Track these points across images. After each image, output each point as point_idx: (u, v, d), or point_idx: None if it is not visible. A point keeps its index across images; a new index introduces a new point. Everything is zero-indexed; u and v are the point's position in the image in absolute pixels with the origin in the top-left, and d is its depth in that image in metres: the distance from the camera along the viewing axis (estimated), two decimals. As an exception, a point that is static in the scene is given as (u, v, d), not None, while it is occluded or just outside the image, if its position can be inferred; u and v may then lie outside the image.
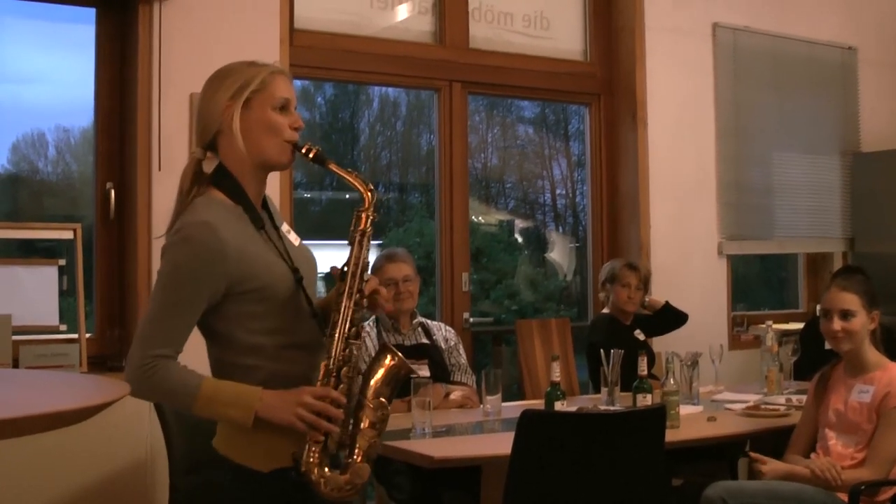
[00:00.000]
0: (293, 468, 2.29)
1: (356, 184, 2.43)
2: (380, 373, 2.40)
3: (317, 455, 2.29)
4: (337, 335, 2.33)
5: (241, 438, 2.31)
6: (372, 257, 4.87)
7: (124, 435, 4.21)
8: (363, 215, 2.42)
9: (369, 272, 2.47)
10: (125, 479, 4.26)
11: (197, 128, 2.43)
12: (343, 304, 2.35)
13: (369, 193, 2.42)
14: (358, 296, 2.37)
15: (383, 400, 2.37)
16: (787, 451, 3.84)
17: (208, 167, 2.39)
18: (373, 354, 2.47)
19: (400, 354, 2.44)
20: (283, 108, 2.39)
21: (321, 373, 2.33)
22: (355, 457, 2.33)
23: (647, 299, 5.31)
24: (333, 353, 2.33)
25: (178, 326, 2.28)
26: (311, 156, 2.40)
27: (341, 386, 2.32)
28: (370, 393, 2.37)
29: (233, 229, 2.31)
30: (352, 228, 2.42)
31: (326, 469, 2.29)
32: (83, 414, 1.80)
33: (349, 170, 2.45)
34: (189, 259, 2.26)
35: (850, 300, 3.74)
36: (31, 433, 1.73)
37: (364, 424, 2.34)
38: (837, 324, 3.74)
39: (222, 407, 2.27)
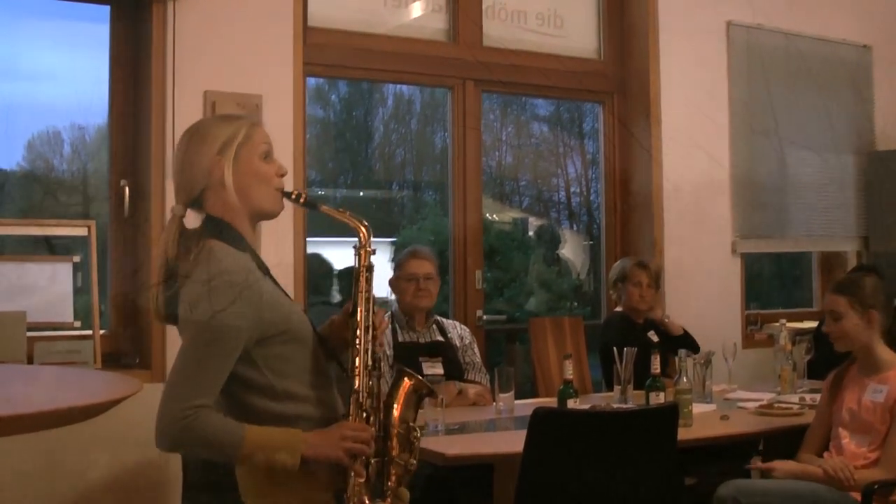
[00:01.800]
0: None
1: (350, 223, 2.47)
2: (401, 398, 2.45)
3: (359, 488, 2.32)
4: (360, 369, 2.38)
5: (278, 498, 2.31)
6: (382, 257, 4.89)
7: (137, 433, 4.20)
8: (362, 252, 2.46)
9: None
10: (138, 477, 4.27)
11: (180, 186, 2.44)
12: (360, 339, 2.40)
13: (364, 229, 2.46)
14: (373, 330, 2.42)
15: (412, 424, 2.43)
16: (801, 450, 3.84)
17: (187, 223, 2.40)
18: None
19: (418, 376, 2.51)
20: (267, 155, 2.43)
21: (352, 406, 2.36)
22: (391, 483, 2.38)
23: (667, 316, 5.25)
24: (360, 387, 2.37)
25: (219, 375, 2.25)
26: (301, 201, 2.46)
27: (371, 419, 2.37)
28: (395, 420, 2.42)
29: (256, 274, 2.34)
30: (355, 266, 2.47)
31: (367, 500, 2.33)
32: (93, 410, 1.81)
33: (340, 209, 2.50)
34: (231, 304, 2.24)
35: (837, 302, 3.77)
36: (40, 429, 1.74)
37: (395, 452, 2.39)
38: (829, 325, 3.79)
39: (271, 452, 2.25)
